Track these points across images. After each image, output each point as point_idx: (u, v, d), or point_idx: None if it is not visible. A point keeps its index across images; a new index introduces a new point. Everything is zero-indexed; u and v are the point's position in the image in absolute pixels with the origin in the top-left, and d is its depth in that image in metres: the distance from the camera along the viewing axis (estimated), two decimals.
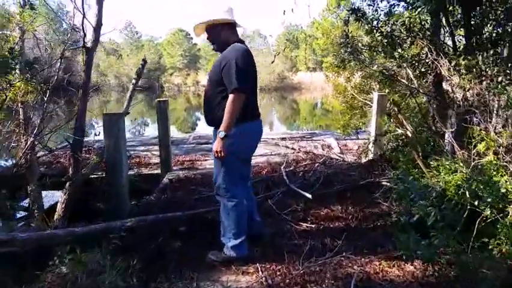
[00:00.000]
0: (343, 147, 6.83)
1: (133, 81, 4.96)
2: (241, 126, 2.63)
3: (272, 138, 7.69)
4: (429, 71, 4.34)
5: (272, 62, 7.31)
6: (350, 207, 3.76)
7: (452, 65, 3.32)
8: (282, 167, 4.97)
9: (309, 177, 4.47)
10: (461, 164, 2.80)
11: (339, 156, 5.55)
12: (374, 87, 5.90)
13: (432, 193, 2.73)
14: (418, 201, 2.70)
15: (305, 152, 6.26)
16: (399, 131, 5.24)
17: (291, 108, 27.38)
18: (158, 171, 5.60)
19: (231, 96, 2.54)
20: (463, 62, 3.25)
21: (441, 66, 3.59)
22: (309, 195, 3.81)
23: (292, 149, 6.64)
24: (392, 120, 5.42)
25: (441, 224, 2.55)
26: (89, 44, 4.49)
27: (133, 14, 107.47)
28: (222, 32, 2.78)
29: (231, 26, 2.83)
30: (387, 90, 5.61)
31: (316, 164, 4.98)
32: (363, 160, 5.19)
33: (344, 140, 7.59)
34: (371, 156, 5.40)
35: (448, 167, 2.87)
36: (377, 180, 4.05)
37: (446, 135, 3.77)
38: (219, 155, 2.63)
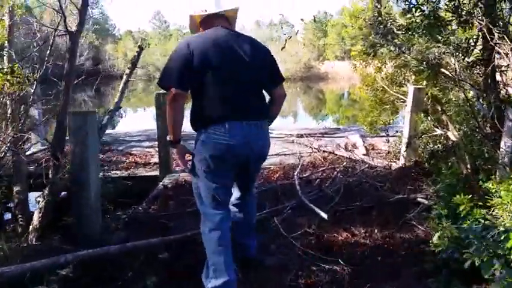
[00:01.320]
0: (369, 147, 6.00)
1: (127, 70, 4.30)
2: (201, 132, 2.10)
3: (289, 134, 6.93)
4: (481, 60, 3.49)
5: (282, 48, 6.48)
6: (375, 231, 2.99)
7: None
8: (295, 173, 4.22)
9: (326, 188, 3.71)
10: None
11: (364, 160, 4.74)
12: (409, 79, 5.02)
13: (493, 232, 1.94)
14: (473, 244, 1.92)
15: (325, 153, 5.48)
16: (439, 131, 4.39)
17: (316, 99, 26.44)
18: (157, 172, 4.97)
19: None
20: None
21: (501, 53, 2.75)
22: (324, 215, 3.06)
23: (311, 147, 5.86)
24: (430, 118, 4.57)
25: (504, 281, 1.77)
26: (73, 28, 3.86)
27: (162, 3, 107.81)
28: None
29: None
30: (424, 83, 4.73)
31: (337, 170, 4.20)
32: (394, 166, 4.36)
33: (370, 137, 6.76)
34: (402, 161, 4.56)
35: None
36: (411, 196, 3.24)
37: (503, 143, 2.92)
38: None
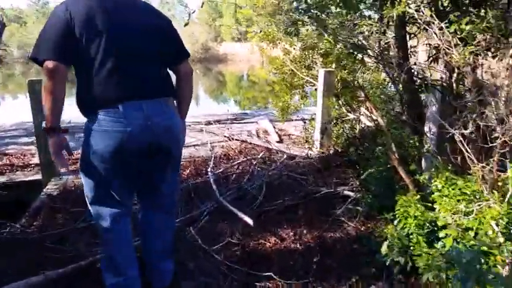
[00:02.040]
0: (281, 133, 5.79)
1: None
2: (91, 119, 1.73)
3: (196, 122, 6.41)
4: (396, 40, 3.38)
5: (185, 25, 6.12)
6: (304, 231, 2.71)
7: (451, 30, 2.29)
8: (209, 169, 3.77)
9: (245, 185, 3.33)
10: (487, 188, 1.84)
11: (281, 150, 4.47)
12: (317, 62, 4.85)
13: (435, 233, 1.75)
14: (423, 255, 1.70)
15: (237, 141, 5.11)
16: (351, 115, 4.30)
17: (217, 81, 26.07)
18: (39, 176, 4.09)
19: None
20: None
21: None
22: (249, 221, 2.68)
23: (222, 136, 5.44)
24: (342, 102, 4.46)
25: None
26: None
27: None
28: None
29: None
30: (334, 66, 4.60)
31: (254, 163, 3.85)
32: (312, 154, 4.16)
33: (278, 121, 6.58)
34: (318, 147, 4.40)
35: (463, 189, 1.90)
36: (337, 190, 3.02)
37: (426, 128, 2.83)
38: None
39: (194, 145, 5.12)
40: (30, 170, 4.36)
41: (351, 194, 2.93)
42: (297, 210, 2.91)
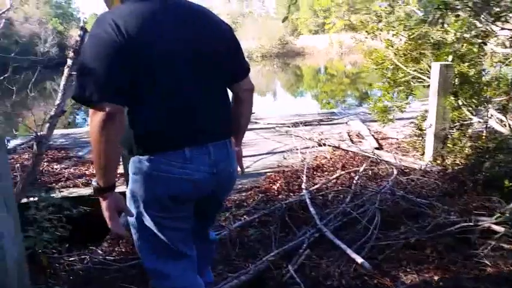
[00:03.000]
0: (377, 136, 5.10)
1: (69, 61, 3.18)
2: (144, 160, 1.34)
3: (281, 124, 5.95)
4: None
5: (284, 20, 5.60)
6: (435, 278, 2.08)
7: None
8: (302, 184, 3.27)
9: (348, 207, 2.76)
10: None
11: (388, 162, 3.81)
12: (426, 54, 4.09)
13: None
14: None
15: (330, 147, 4.54)
16: (475, 119, 3.50)
17: (294, 75, 25.55)
18: (124, 187, 3.92)
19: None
20: None
21: None
22: (366, 264, 2.12)
23: (312, 141, 4.91)
24: (462, 102, 3.67)
25: None
26: None
27: None
28: None
29: None
30: (450, 58, 3.81)
31: (356, 178, 3.26)
32: (424, 165, 3.45)
33: (372, 122, 5.87)
34: (430, 157, 3.67)
35: None
36: (479, 222, 2.31)
37: None
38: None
39: (281, 151, 4.66)
40: (118, 181, 4.23)
41: (498, 228, 2.22)
42: (423, 248, 2.28)
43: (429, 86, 4.18)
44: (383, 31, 4.26)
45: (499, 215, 2.24)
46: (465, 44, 3.69)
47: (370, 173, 3.41)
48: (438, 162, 3.56)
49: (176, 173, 1.33)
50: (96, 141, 1.20)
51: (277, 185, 3.51)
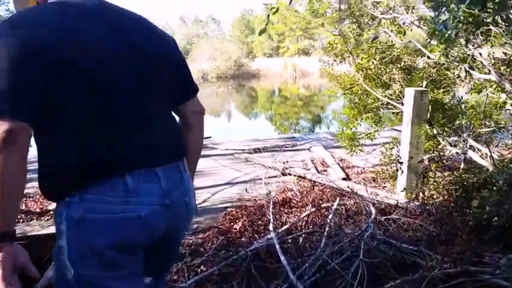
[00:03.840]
0: (341, 164, 4.80)
1: None
2: (72, 202, 1.03)
3: (240, 150, 5.52)
4: None
5: (260, 33, 5.36)
6: None
7: None
8: (270, 225, 2.82)
9: (324, 254, 2.34)
10: None
11: (354, 190, 3.47)
12: (395, 78, 3.87)
13: None
14: None
15: (294, 177, 4.16)
16: (454, 150, 3.26)
17: (249, 96, 25.52)
18: None
19: None
20: None
21: None
22: None
23: (273, 169, 4.50)
24: (437, 131, 3.43)
25: None
26: None
27: None
28: None
29: None
30: (424, 84, 3.60)
31: (330, 216, 2.86)
32: (405, 201, 3.14)
33: (335, 147, 5.60)
34: (402, 189, 3.37)
35: None
36: (481, 276, 1.97)
37: None
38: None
39: (242, 182, 4.21)
40: (48, 219, 3.56)
41: (505, 283, 1.89)
42: None
43: (398, 113, 3.96)
44: (353, 54, 4.00)
45: (502, 268, 1.91)
46: (440, 69, 3.49)
47: (344, 211, 3.03)
48: (414, 196, 3.27)
49: (118, 211, 1.03)
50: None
51: (240, 224, 3.04)
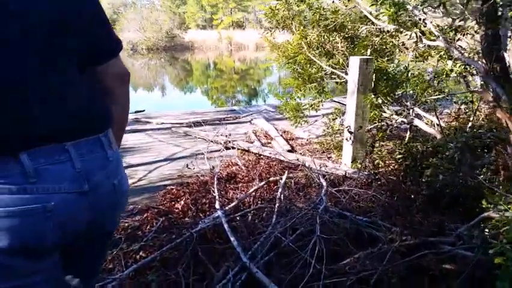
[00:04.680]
0: (285, 136, 4.68)
1: None
2: None
3: (178, 124, 5.17)
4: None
5: None
6: None
7: None
8: (216, 204, 2.59)
9: (281, 237, 2.17)
10: None
11: (303, 162, 3.35)
12: (338, 48, 3.75)
13: None
14: None
15: (238, 151, 3.95)
16: (399, 119, 3.25)
17: (183, 70, 24.63)
18: None
19: None
20: None
21: None
22: None
23: (215, 143, 4.25)
24: (383, 100, 3.39)
25: None
26: None
27: None
28: None
29: None
30: (368, 52, 3.52)
31: (280, 190, 2.70)
32: (350, 172, 3.07)
33: (277, 119, 5.48)
34: (348, 161, 3.32)
35: None
36: (444, 247, 1.90)
37: None
38: None
39: (181, 157, 3.92)
40: None
41: (469, 254, 1.84)
42: (380, 284, 1.81)
43: (341, 82, 3.88)
44: (295, 21, 3.80)
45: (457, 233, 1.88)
46: (384, 37, 3.42)
47: (293, 184, 2.89)
48: (362, 167, 3.22)
49: (14, 204, 0.80)
50: None
51: (182, 203, 2.78)
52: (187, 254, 2.10)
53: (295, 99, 3.94)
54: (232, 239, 2.14)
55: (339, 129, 3.87)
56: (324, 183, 2.67)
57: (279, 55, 3.92)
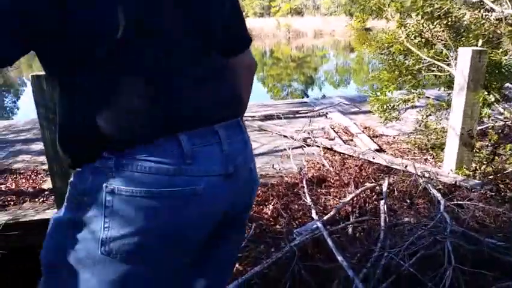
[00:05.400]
0: (366, 132, 4.32)
1: None
2: (104, 168, 0.78)
3: (250, 117, 4.99)
4: None
5: None
6: None
7: None
8: (313, 213, 2.36)
9: (399, 261, 1.89)
10: None
11: (401, 167, 3.01)
12: (440, 37, 3.32)
13: None
14: None
15: (318, 148, 3.69)
16: None
17: None
18: (55, 209, 2.78)
19: None
20: None
21: None
22: None
23: (293, 139, 4.01)
24: (495, 98, 2.95)
25: None
26: None
27: None
28: None
29: None
30: (479, 43, 3.08)
31: (383, 202, 2.40)
32: (459, 179, 2.69)
33: (353, 113, 5.13)
34: (452, 164, 2.93)
35: None
36: None
37: None
38: None
39: (260, 154, 3.72)
40: (43, 201, 3.04)
41: None
42: None
43: (441, 76, 3.46)
44: (390, 7, 3.42)
45: None
46: (499, 25, 2.96)
47: (395, 192, 2.58)
48: (469, 173, 2.83)
49: (170, 185, 0.78)
50: None
51: (270, 207, 2.58)
52: (287, 274, 1.89)
53: (385, 94, 3.59)
54: (339, 258, 1.89)
55: (436, 128, 3.47)
56: (439, 195, 2.33)
57: (370, 45, 3.57)
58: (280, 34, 33.65)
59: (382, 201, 2.38)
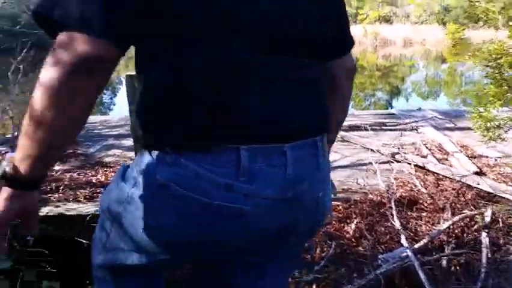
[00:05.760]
0: (463, 151, 3.91)
1: None
2: (165, 160, 0.75)
3: None
4: None
5: None
6: None
7: None
8: (402, 239, 2.15)
9: None
10: None
11: (497, 191, 2.66)
12: None
13: None
14: None
15: (409, 166, 3.40)
16: None
17: None
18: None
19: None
20: None
21: None
22: None
23: (379, 153, 3.76)
24: None
25: None
26: None
27: None
28: None
29: None
30: None
31: (485, 234, 2.12)
32: None
33: (446, 129, 4.71)
34: None
35: None
36: None
37: None
38: None
39: (342, 166, 3.55)
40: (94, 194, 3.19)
41: None
42: None
43: None
44: (502, 14, 3.05)
45: None
46: None
47: (501, 223, 2.26)
48: None
49: (213, 197, 0.73)
50: (50, 104, 0.64)
51: (353, 226, 2.41)
52: None
53: (490, 111, 3.20)
54: None
55: None
56: None
57: (474, 55, 3.21)
58: (367, 42, 32.61)
59: (484, 233, 2.10)
